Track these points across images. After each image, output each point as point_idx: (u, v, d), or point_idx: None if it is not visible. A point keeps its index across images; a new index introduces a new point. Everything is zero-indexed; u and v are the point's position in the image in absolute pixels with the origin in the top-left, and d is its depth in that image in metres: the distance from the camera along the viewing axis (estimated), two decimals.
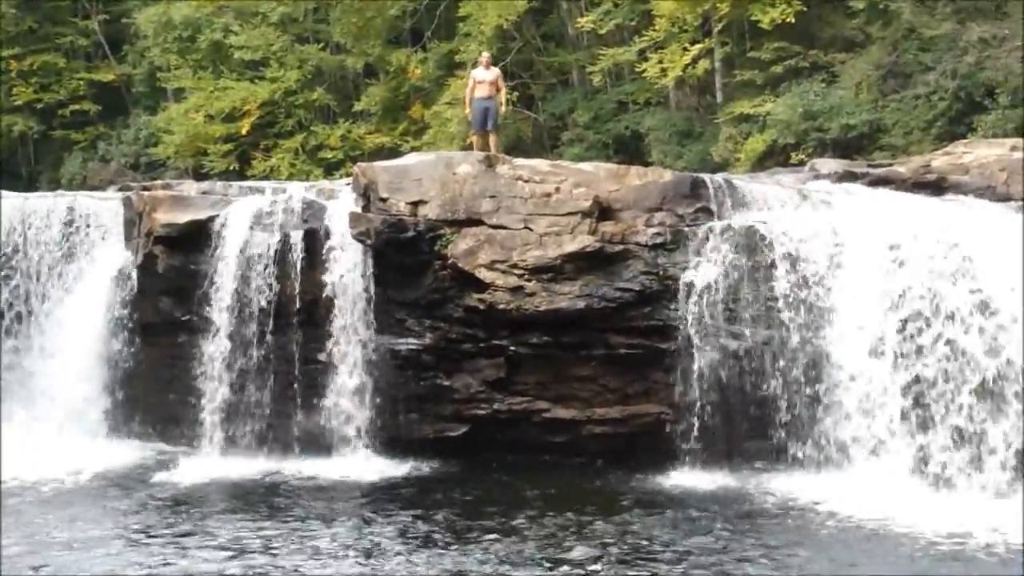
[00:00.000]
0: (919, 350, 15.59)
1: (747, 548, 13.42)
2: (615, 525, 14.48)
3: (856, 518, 14.43)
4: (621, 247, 17.45)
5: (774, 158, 28.30)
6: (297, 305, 18.65)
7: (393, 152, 34.33)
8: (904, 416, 15.55)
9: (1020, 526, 13.55)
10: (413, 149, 33.47)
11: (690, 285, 17.07)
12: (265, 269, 18.76)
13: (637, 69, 33.50)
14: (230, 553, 13.66)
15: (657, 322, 17.29)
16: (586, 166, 19.33)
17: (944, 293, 15.64)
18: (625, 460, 17.38)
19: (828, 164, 20.62)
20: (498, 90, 22.62)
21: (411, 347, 18.23)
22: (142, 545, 14.12)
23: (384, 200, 18.25)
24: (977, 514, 14.16)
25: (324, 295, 18.63)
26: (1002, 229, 16.33)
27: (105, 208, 21.29)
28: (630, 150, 33.33)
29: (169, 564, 13.36)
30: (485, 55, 23.67)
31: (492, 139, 22.26)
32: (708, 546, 13.56)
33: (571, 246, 17.44)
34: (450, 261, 17.76)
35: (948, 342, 15.42)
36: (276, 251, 18.79)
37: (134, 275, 19.81)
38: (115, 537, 14.45)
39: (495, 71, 22.85)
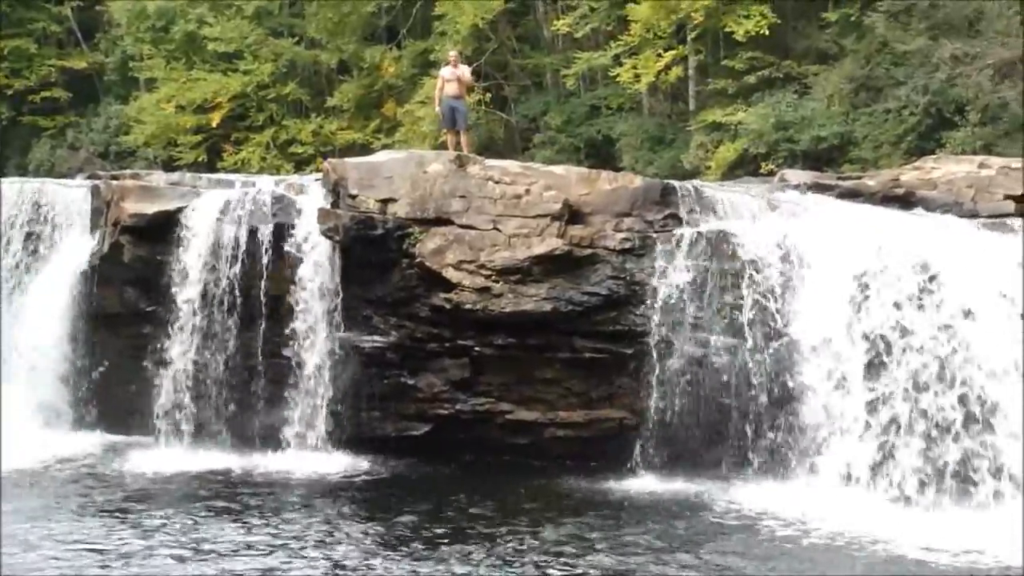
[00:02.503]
0: (882, 362, 15.65)
1: (687, 561, 13.38)
2: (566, 534, 14.41)
3: (811, 529, 14.40)
4: (589, 251, 17.46)
5: (744, 167, 28.47)
6: (263, 299, 18.57)
7: (364, 149, 34.32)
8: (865, 427, 15.57)
9: (988, 541, 13.64)
10: (385, 147, 33.54)
11: (657, 291, 17.10)
12: (232, 262, 18.67)
13: (611, 74, 33.60)
14: (184, 550, 13.55)
15: (623, 327, 17.30)
16: (557, 169, 19.33)
17: (909, 305, 15.71)
18: (587, 464, 17.37)
19: (798, 175, 20.67)
20: (469, 89, 22.60)
21: (376, 345, 18.18)
22: (95, 538, 13.99)
23: (354, 197, 18.20)
24: (938, 528, 14.20)
25: (290, 290, 18.55)
26: (969, 245, 16.44)
27: (72, 196, 21.15)
28: (602, 154, 33.42)
29: (120, 557, 13.26)
30: (452, 53, 23.70)
31: (463, 138, 22.26)
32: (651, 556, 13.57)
33: (539, 248, 17.44)
34: (418, 260, 17.73)
35: (913, 354, 15.48)
36: (244, 244, 18.69)
37: (99, 264, 19.67)
38: (69, 532, 14.26)
39: (463, 69, 22.83)
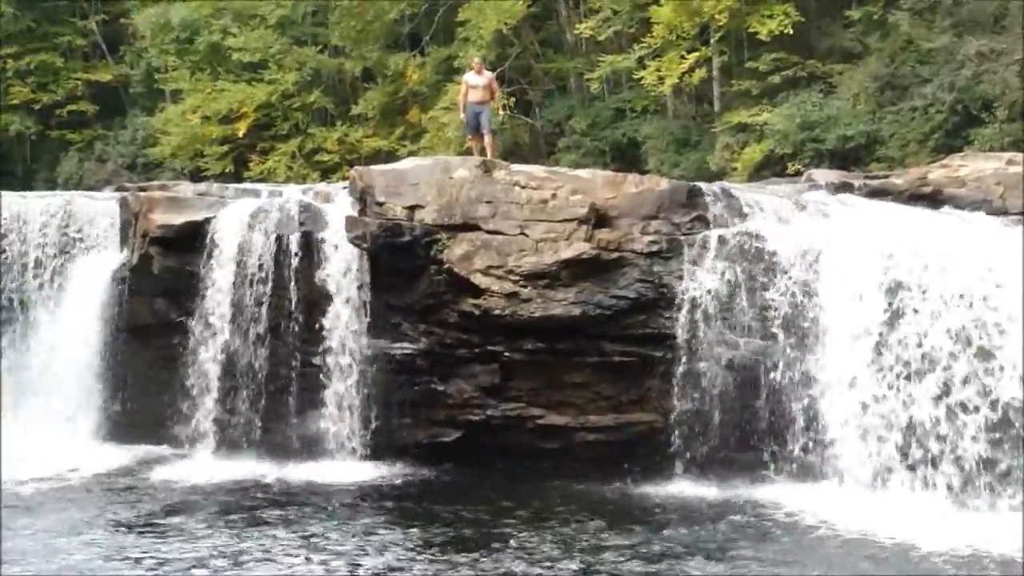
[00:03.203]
0: (912, 364, 15.57)
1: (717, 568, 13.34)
2: (599, 539, 14.40)
3: (840, 531, 14.36)
4: (617, 255, 17.44)
5: (771, 168, 28.37)
6: (292, 308, 18.63)
7: (390, 156, 34.37)
8: (897, 431, 15.49)
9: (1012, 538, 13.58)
10: (410, 153, 33.57)
11: (685, 294, 17.07)
12: (261, 271, 18.74)
13: (635, 76, 33.56)
14: (221, 561, 13.59)
15: (652, 330, 17.27)
16: (583, 173, 19.34)
17: (938, 307, 15.63)
18: (618, 468, 17.31)
19: (824, 175, 20.60)
20: (492, 94, 22.57)
21: (406, 352, 18.21)
22: (122, 549, 14.03)
23: (381, 204, 18.24)
24: (971, 528, 14.13)
25: (319, 298, 18.60)
26: (998, 243, 16.35)
27: (101, 209, 21.27)
28: (627, 157, 33.38)
29: (160, 568, 13.29)
30: (476, 60, 23.74)
31: (488, 143, 22.23)
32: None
33: (567, 253, 17.43)
34: (446, 266, 17.74)
35: (941, 357, 15.39)
36: (272, 254, 18.76)
37: (129, 276, 19.77)
38: (111, 544, 14.31)
39: (488, 75, 22.84)
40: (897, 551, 13.58)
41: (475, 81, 22.36)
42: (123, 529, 14.98)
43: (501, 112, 31.92)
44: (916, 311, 15.73)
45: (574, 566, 13.27)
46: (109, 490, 17.11)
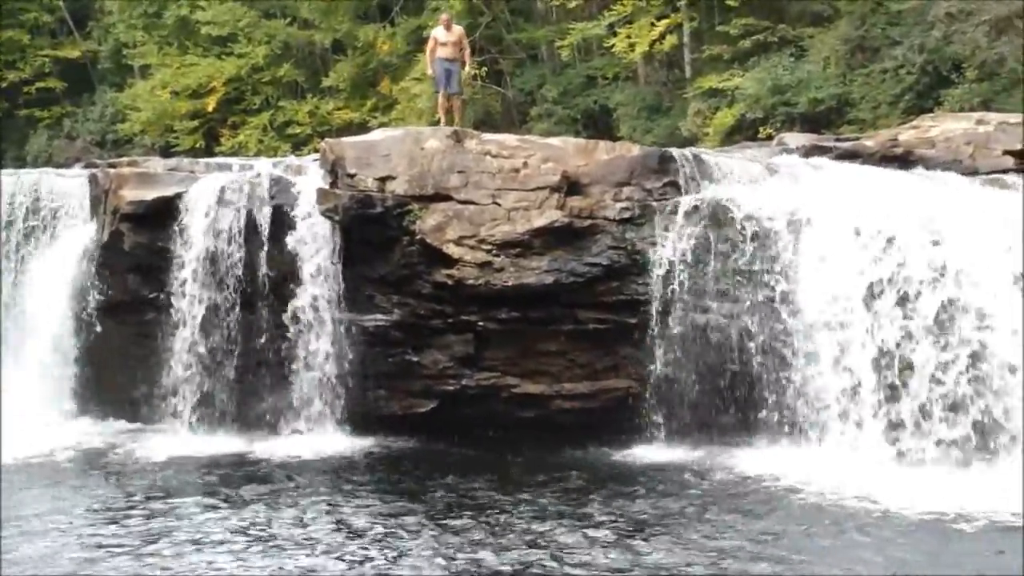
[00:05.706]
0: (887, 323, 15.62)
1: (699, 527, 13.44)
2: (575, 506, 14.41)
3: (811, 491, 14.41)
4: (589, 222, 17.43)
5: (743, 132, 28.39)
6: (265, 282, 18.58)
7: (362, 128, 34.24)
8: (872, 390, 15.55)
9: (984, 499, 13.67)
10: (381, 125, 33.38)
11: (658, 260, 17.08)
12: (232, 246, 18.67)
13: (606, 44, 33.50)
14: (192, 540, 13.50)
15: (625, 297, 17.29)
16: (554, 141, 19.30)
17: (912, 265, 15.68)
18: (595, 435, 17.37)
19: (796, 138, 20.69)
20: (461, 51, 22.18)
21: (379, 323, 18.19)
22: (104, 533, 13.83)
23: (352, 176, 18.17)
24: (948, 488, 14.18)
25: (292, 271, 18.55)
26: (967, 200, 16.43)
27: (70, 186, 21.15)
28: (599, 125, 33.37)
29: (123, 554, 13.06)
30: (445, 15, 23.35)
31: (456, 103, 21.92)
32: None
33: (539, 221, 17.42)
34: (418, 237, 17.70)
35: (917, 315, 15.45)
36: (243, 228, 18.69)
37: (100, 253, 19.67)
38: (68, 524, 14.09)
39: (458, 30, 22.35)
40: (871, 514, 13.67)
41: (444, 37, 21.85)
42: (104, 511, 14.74)
43: (474, 81, 31.85)
44: (892, 268, 15.74)
45: (552, 534, 13.26)
46: (86, 469, 17.01)
